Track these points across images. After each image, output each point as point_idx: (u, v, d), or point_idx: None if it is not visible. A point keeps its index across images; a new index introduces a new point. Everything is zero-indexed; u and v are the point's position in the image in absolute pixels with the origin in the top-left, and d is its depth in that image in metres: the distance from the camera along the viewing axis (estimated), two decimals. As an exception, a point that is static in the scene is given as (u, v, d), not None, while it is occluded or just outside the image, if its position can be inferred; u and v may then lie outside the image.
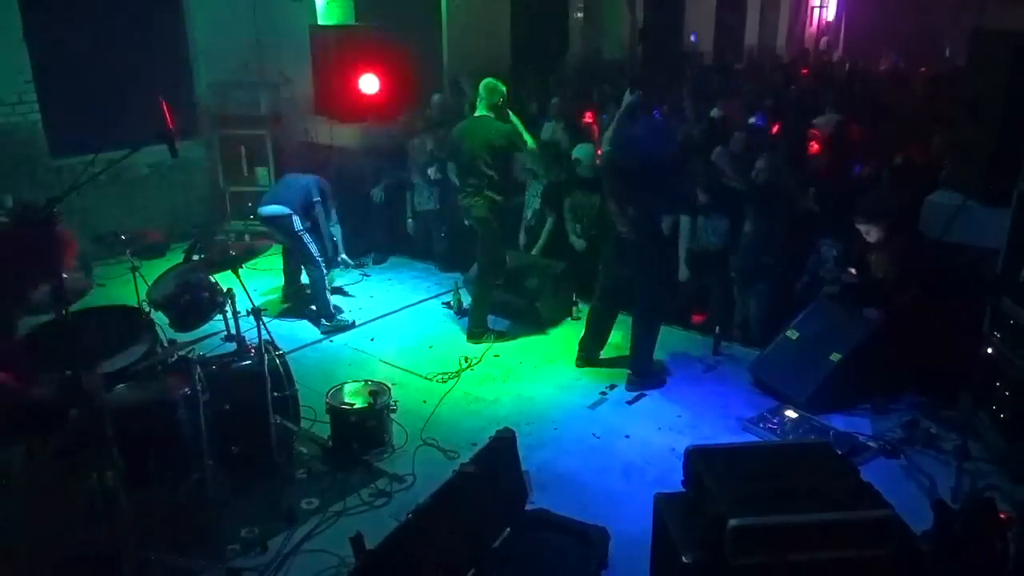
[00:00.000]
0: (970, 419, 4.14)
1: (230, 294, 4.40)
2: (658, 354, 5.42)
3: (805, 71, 12.79)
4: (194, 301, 4.44)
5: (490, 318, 6.01)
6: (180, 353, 4.03)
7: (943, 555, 3.02)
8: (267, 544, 3.65)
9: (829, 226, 5.47)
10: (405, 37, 7.70)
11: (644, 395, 5.11)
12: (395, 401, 4.63)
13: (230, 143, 8.14)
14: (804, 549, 2.71)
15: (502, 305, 6.26)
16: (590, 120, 8.15)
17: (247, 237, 7.72)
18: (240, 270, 4.33)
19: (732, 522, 2.66)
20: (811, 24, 19.18)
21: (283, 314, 6.45)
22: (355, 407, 4.36)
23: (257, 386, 4.01)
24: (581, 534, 3.54)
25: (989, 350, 4.26)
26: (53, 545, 3.02)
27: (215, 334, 4.38)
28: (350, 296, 6.87)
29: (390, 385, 4.67)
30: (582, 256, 6.40)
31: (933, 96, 8.76)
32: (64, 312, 2.78)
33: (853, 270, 5.10)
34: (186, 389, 3.67)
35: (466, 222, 5.95)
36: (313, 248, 6.03)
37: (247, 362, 4.23)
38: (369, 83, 7.10)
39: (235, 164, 8.16)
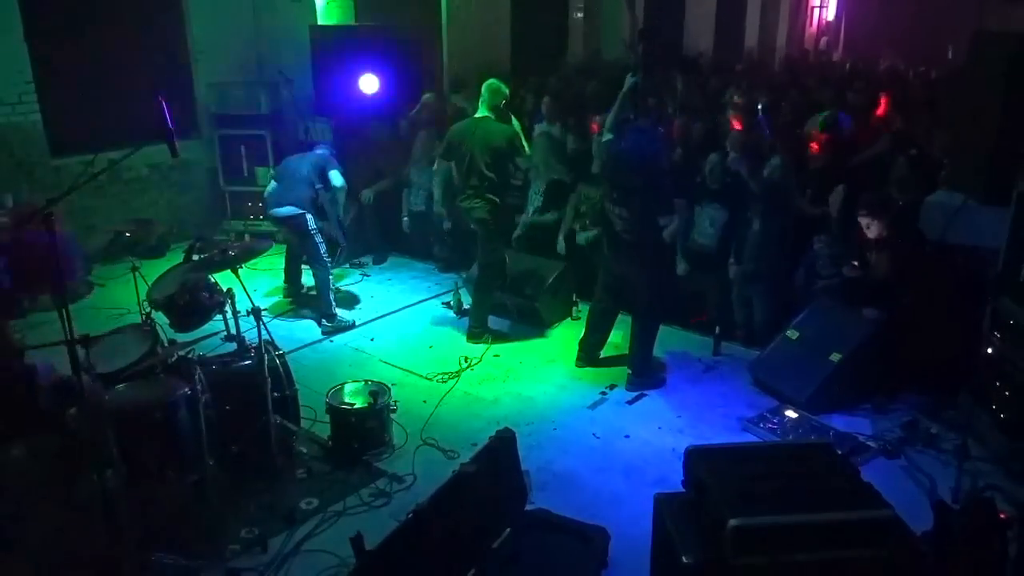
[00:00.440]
0: (970, 419, 4.14)
1: (230, 294, 4.41)
2: (658, 354, 5.43)
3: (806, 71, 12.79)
4: (194, 301, 4.44)
5: (490, 318, 6.00)
6: (180, 353, 4.04)
7: (943, 555, 3.02)
8: (267, 544, 3.65)
9: (827, 225, 5.46)
10: (405, 37, 7.68)
11: (644, 395, 5.11)
12: (395, 401, 4.63)
13: (230, 143, 8.14)
14: (804, 549, 2.71)
15: (502, 305, 6.26)
16: (596, 130, 8.10)
17: (247, 237, 7.73)
18: (240, 270, 4.32)
19: (732, 522, 2.66)
20: (811, 24, 19.18)
21: (283, 314, 6.45)
22: (355, 407, 4.36)
23: (257, 386, 4.01)
24: (581, 534, 3.54)
25: (989, 350, 4.26)
26: (53, 545, 3.02)
27: (215, 334, 4.38)
28: (353, 296, 6.88)
29: (390, 385, 4.67)
30: (581, 256, 6.40)
31: (932, 97, 8.74)
32: (64, 312, 2.79)
33: (856, 263, 5.09)
34: (186, 389, 3.67)
35: (471, 225, 5.91)
36: (322, 248, 6.04)
37: (247, 362, 4.24)
38: (369, 83, 7.09)
39: (235, 164, 8.16)
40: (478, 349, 5.74)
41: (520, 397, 5.13)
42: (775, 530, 2.70)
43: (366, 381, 4.66)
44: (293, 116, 8.12)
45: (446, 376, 5.35)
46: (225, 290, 4.46)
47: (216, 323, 4.51)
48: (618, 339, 5.62)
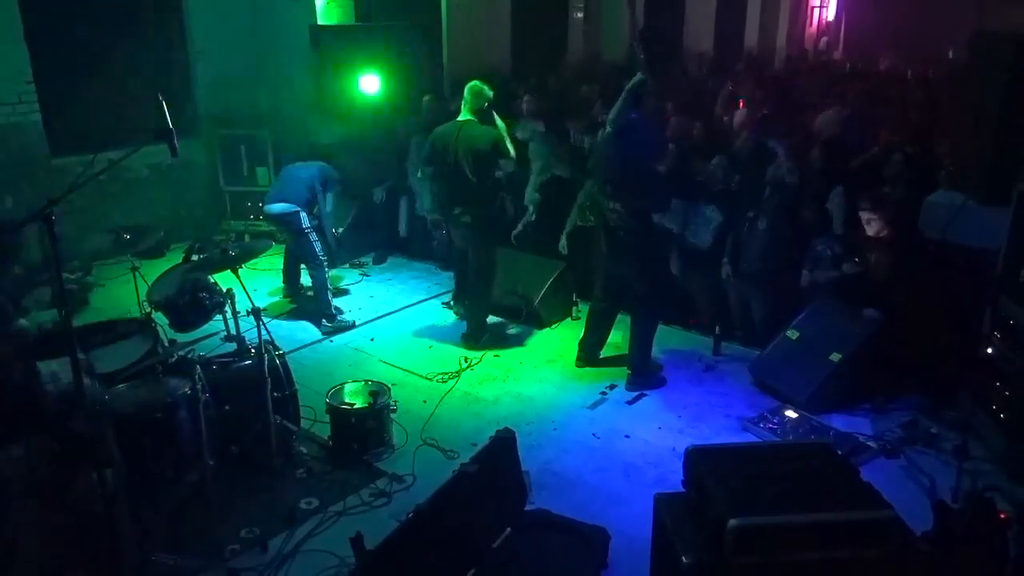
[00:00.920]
0: (970, 419, 4.14)
1: (230, 294, 4.41)
2: (658, 354, 5.43)
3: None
4: (194, 301, 4.45)
5: (491, 319, 6.00)
6: (180, 353, 4.04)
7: (943, 555, 3.02)
8: (267, 544, 3.65)
9: (827, 226, 5.46)
10: (405, 37, 7.68)
11: (644, 395, 5.11)
12: (395, 401, 4.63)
13: (230, 143, 8.14)
14: (804, 549, 2.71)
15: (502, 305, 6.26)
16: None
17: (247, 237, 7.74)
18: (240, 270, 4.32)
19: (732, 522, 2.66)
20: (811, 24, 19.18)
21: (283, 314, 6.45)
22: (355, 407, 4.36)
23: (257, 386, 4.01)
24: (581, 534, 3.54)
25: (989, 350, 4.26)
26: (53, 546, 3.01)
27: (215, 334, 4.39)
28: (349, 295, 6.88)
29: (390, 385, 4.67)
30: (582, 256, 6.38)
31: (931, 97, 8.74)
32: (65, 313, 2.79)
33: (857, 259, 5.09)
34: (186, 389, 3.67)
35: (457, 232, 5.82)
36: (317, 247, 6.04)
37: (247, 362, 4.24)
38: (369, 83, 7.09)
39: (235, 164, 8.16)
40: (478, 349, 5.74)
41: (520, 397, 5.13)
42: (775, 530, 2.70)
43: (366, 381, 4.66)
44: (293, 116, 8.14)
45: (446, 376, 5.35)
46: (225, 290, 4.47)
47: (216, 323, 4.52)
48: (618, 339, 5.62)
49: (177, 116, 3.17)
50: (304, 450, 4.40)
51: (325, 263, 6.11)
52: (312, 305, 6.32)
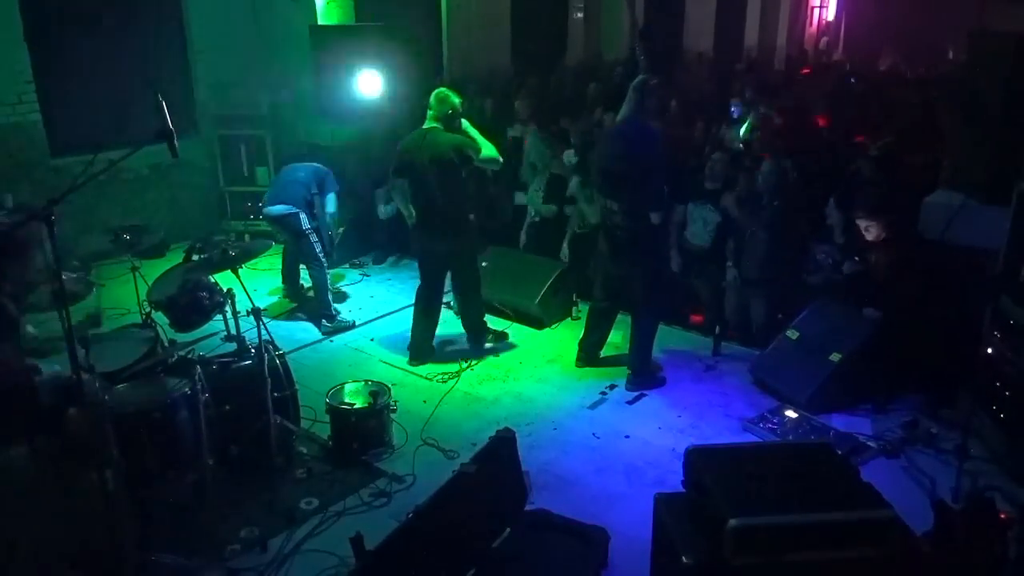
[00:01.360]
0: (970, 419, 4.14)
1: (230, 294, 4.41)
2: (658, 354, 5.43)
3: (806, 70, 12.78)
4: (194, 301, 4.45)
5: (491, 319, 5.99)
6: (180, 353, 4.04)
7: (943, 555, 3.02)
8: (267, 544, 3.65)
9: (827, 232, 5.47)
10: (405, 37, 7.68)
11: (644, 395, 5.11)
12: (395, 401, 4.63)
13: (230, 143, 8.14)
14: (804, 549, 2.71)
15: (502, 305, 6.26)
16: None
17: (247, 237, 7.74)
18: (240, 270, 4.33)
19: (732, 522, 2.66)
20: (811, 24, 19.17)
21: (283, 314, 6.45)
22: (355, 407, 4.36)
23: (257, 386, 4.01)
24: (581, 534, 3.54)
25: (989, 350, 4.26)
26: (53, 545, 3.02)
27: (215, 334, 4.39)
28: (349, 297, 6.89)
29: (390, 385, 4.67)
30: (581, 256, 6.39)
31: (930, 97, 8.74)
32: (65, 314, 2.79)
33: (857, 258, 5.09)
34: (186, 389, 3.67)
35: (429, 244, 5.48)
36: (317, 248, 6.04)
37: (247, 362, 4.23)
38: (369, 83, 7.09)
39: (235, 164, 8.16)
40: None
41: (520, 397, 5.13)
42: (775, 530, 2.70)
43: (366, 381, 4.66)
44: (293, 116, 8.14)
45: (446, 376, 5.35)
46: (225, 290, 4.47)
47: (216, 323, 4.52)
48: (618, 339, 5.62)
49: (177, 116, 3.16)
50: (304, 450, 4.40)
51: (325, 263, 6.12)
52: (312, 305, 6.32)
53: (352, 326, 6.19)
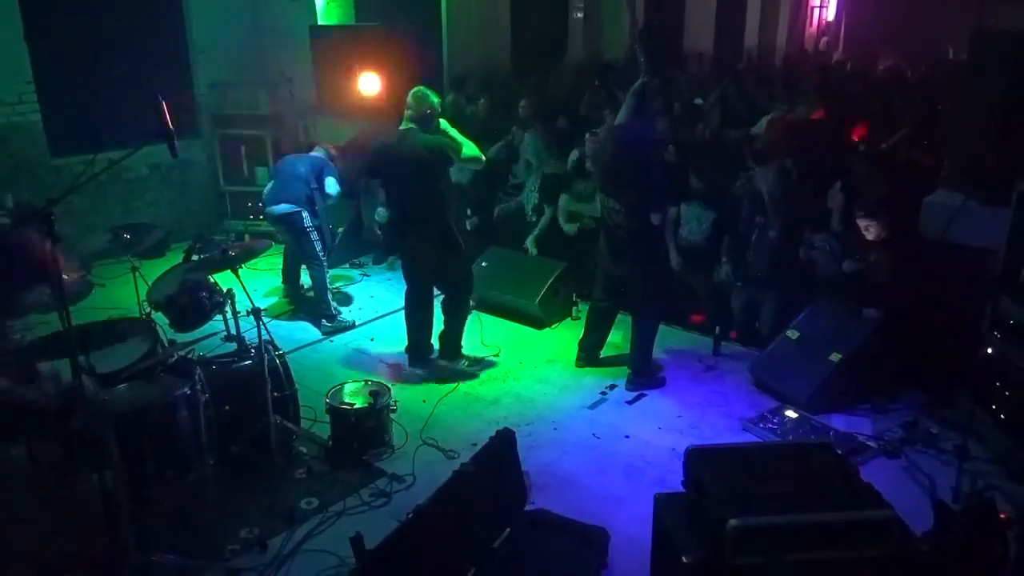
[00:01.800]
0: (970, 419, 4.14)
1: (230, 294, 4.41)
2: (658, 354, 5.43)
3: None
4: (194, 301, 4.45)
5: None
6: (180, 353, 4.03)
7: (943, 555, 3.02)
8: (267, 544, 3.65)
9: (826, 222, 5.46)
10: (405, 37, 7.67)
11: (644, 395, 5.11)
12: (395, 401, 4.63)
13: (230, 143, 8.14)
14: (804, 549, 2.71)
15: (502, 305, 6.26)
16: None
17: (247, 237, 7.73)
18: (240, 270, 4.33)
19: (732, 522, 2.66)
20: (811, 24, 19.18)
21: (283, 314, 6.45)
22: (355, 407, 4.36)
23: (257, 386, 4.01)
24: (581, 534, 3.54)
25: (989, 350, 4.26)
26: (53, 545, 3.01)
27: (215, 334, 4.39)
28: (350, 297, 6.88)
29: (390, 385, 4.67)
30: (581, 256, 6.39)
31: (930, 97, 8.74)
32: (65, 313, 2.79)
33: (857, 257, 5.09)
34: (186, 389, 3.67)
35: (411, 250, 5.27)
36: (317, 247, 6.04)
37: (247, 362, 4.24)
38: (369, 83, 7.09)
39: (235, 164, 8.17)
40: (478, 349, 5.73)
41: (520, 397, 5.13)
42: (775, 530, 2.70)
43: (366, 381, 4.67)
44: (292, 116, 8.13)
45: (446, 376, 5.35)
46: (225, 290, 4.47)
47: (216, 323, 4.52)
48: (618, 339, 5.62)
49: (177, 116, 3.16)
50: (304, 450, 4.40)
51: (325, 263, 6.12)
52: (312, 305, 6.32)
53: (352, 326, 6.19)
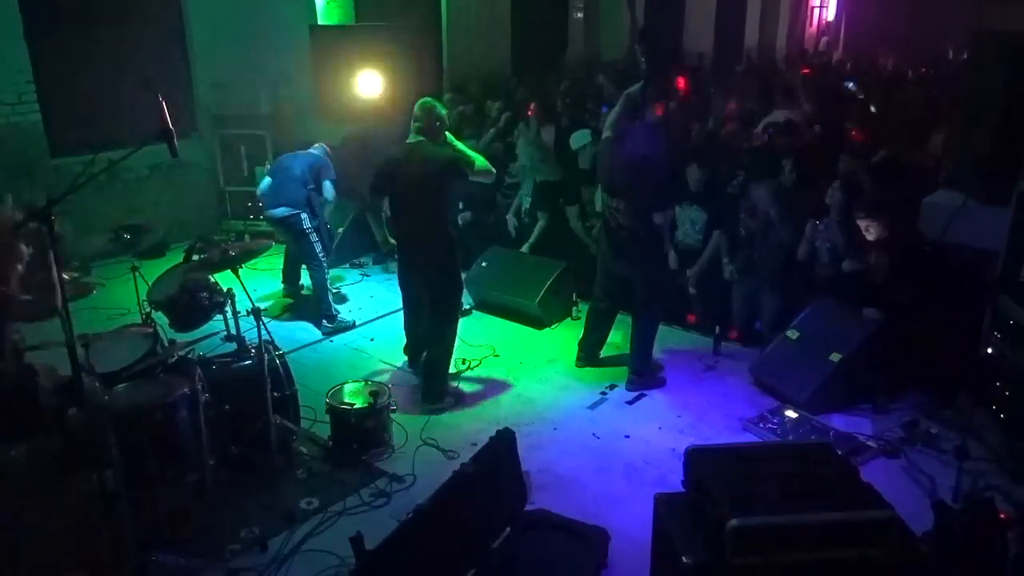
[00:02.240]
0: (970, 419, 4.14)
1: (230, 294, 4.41)
2: (658, 354, 5.43)
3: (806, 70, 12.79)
4: (194, 301, 4.45)
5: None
6: (180, 353, 4.04)
7: (943, 555, 3.02)
8: (267, 544, 3.65)
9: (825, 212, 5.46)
10: (405, 37, 7.68)
11: (644, 395, 5.11)
12: (395, 401, 4.63)
13: (230, 143, 8.15)
14: (804, 549, 2.71)
15: (502, 305, 6.26)
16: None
17: (247, 237, 7.74)
18: (240, 270, 4.33)
19: (732, 522, 2.66)
20: (811, 24, 19.20)
21: (283, 314, 6.45)
22: (355, 407, 4.36)
23: (257, 386, 4.01)
24: (581, 534, 3.54)
25: (989, 350, 4.26)
26: (53, 545, 3.02)
27: (215, 334, 4.39)
28: (349, 297, 6.89)
29: (390, 385, 4.67)
30: (581, 255, 6.39)
31: (929, 97, 8.75)
32: (64, 313, 2.79)
33: (858, 256, 5.09)
34: (186, 389, 3.67)
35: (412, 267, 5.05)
36: (317, 247, 6.04)
37: (247, 362, 4.24)
38: (369, 83, 7.09)
39: (235, 164, 8.17)
40: (478, 349, 5.73)
41: (520, 397, 5.13)
42: (775, 530, 2.70)
43: (366, 381, 4.66)
44: (293, 116, 8.14)
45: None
46: (225, 290, 4.47)
47: (216, 323, 4.52)
48: (618, 339, 5.62)
49: (177, 116, 3.16)
50: (304, 450, 4.40)
51: (325, 264, 6.12)
52: (312, 305, 6.32)
53: (352, 326, 6.19)
